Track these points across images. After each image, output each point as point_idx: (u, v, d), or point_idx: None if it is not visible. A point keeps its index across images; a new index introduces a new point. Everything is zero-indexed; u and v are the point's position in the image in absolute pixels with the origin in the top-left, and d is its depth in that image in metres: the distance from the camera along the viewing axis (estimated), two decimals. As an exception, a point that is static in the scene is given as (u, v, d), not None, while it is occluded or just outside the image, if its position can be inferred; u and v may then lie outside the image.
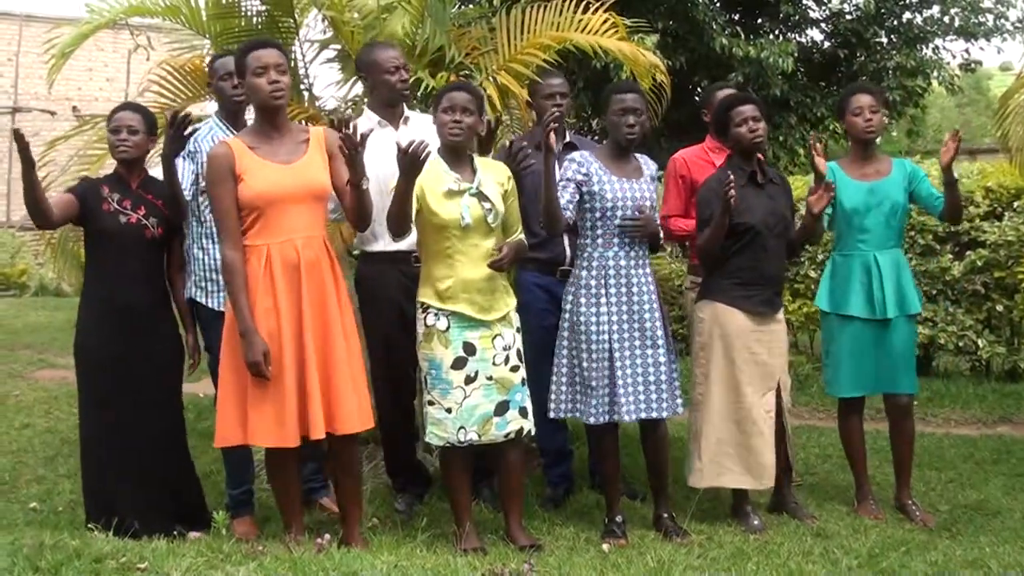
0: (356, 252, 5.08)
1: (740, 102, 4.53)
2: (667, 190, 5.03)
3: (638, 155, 4.51)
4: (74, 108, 18.11)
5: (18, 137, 3.78)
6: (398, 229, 4.02)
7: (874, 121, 4.68)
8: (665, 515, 4.43)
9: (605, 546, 4.17)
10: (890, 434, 4.86)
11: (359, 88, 5.61)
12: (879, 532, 4.41)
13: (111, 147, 4.38)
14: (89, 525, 4.08)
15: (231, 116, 4.67)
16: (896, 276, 4.68)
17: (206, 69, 5.45)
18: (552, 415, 4.45)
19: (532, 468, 5.26)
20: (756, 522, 4.46)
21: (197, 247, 4.55)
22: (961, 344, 7.59)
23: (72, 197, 4.28)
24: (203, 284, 4.55)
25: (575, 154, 4.43)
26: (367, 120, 4.68)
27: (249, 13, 5.42)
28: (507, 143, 4.86)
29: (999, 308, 7.47)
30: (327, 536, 3.82)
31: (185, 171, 4.48)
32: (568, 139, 4.98)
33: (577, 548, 4.20)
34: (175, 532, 3.97)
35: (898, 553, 4.08)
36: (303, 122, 4.82)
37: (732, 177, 4.24)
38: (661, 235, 4.50)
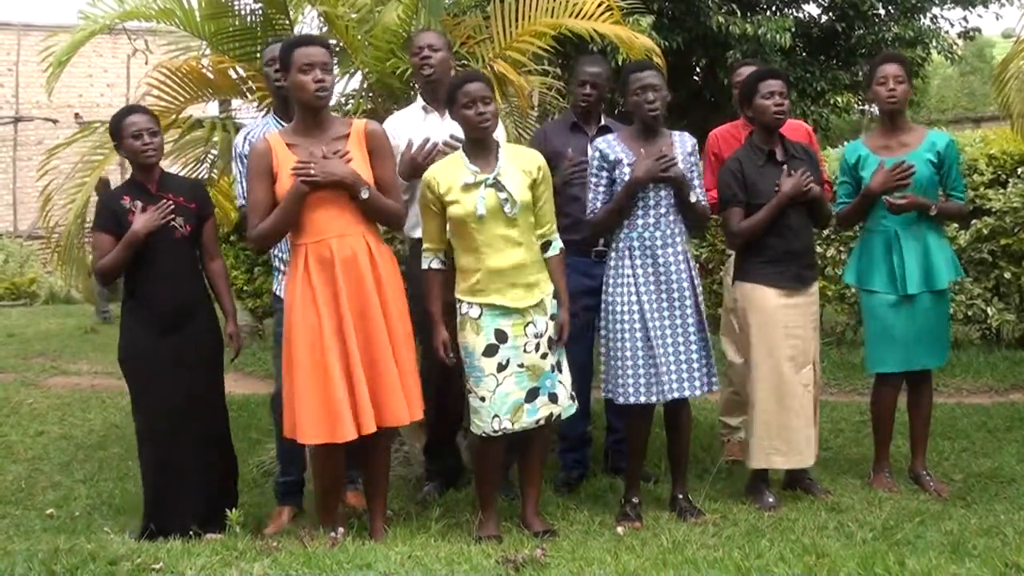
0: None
1: (770, 75, 4.55)
2: (705, 167, 5.01)
3: (676, 132, 4.46)
4: (76, 115, 18.07)
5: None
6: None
7: (897, 91, 4.61)
8: (680, 495, 4.44)
9: (620, 529, 4.18)
10: (908, 403, 4.84)
11: (355, 83, 5.62)
12: (893, 504, 4.42)
13: (135, 153, 4.27)
14: (113, 531, 4.09)
15: (281, 106, 4.64)
16: (922, 251, 4.60)
17: (203, 70, 5.48)
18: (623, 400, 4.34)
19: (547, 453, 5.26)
20: (770, 499, 4.47)
21: None
22: (970, 313, 7.57)
23: (108, 237, 4.25)
24: (275, 274, 4.61)
25: (599, 142, 4.39)
26: (415, 106, 4.77)
27: (243, 12, 5.41)
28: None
29: (1007, 275, 7.45)
30: (341, 530, 3.83)
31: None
32: (603, 123, 4.96)
33: (592, 532, 4.22)
34: (190, 532, 3.98)
35: (913, 524, 4.09)
36: None
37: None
38: (696, 198, 4.37)
